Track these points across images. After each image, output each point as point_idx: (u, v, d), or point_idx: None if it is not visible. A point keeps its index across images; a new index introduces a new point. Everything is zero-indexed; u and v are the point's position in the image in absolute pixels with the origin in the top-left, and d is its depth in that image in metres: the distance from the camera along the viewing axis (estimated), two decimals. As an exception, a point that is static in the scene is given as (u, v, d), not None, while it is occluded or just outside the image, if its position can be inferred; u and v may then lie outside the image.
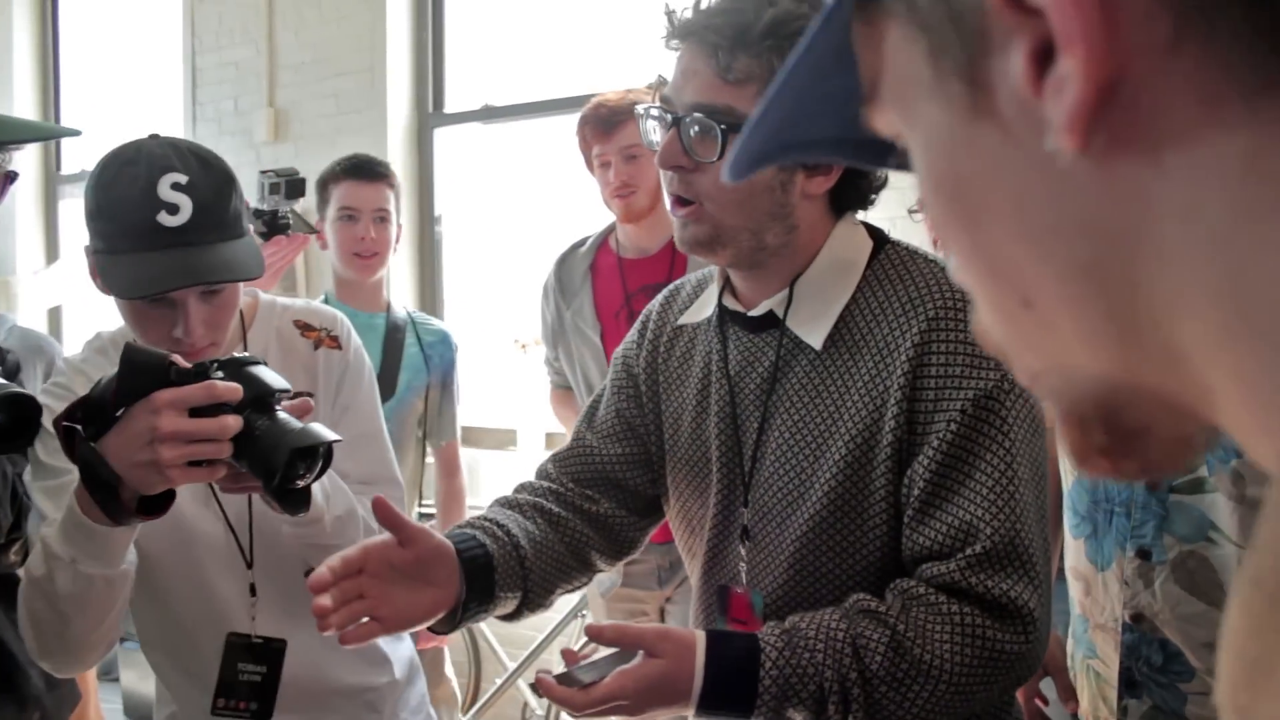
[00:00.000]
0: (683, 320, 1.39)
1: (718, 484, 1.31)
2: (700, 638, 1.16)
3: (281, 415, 1.24)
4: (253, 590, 1.48)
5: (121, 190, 1.35)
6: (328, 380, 1.53)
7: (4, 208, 5.45)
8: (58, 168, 5.77)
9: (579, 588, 1.42)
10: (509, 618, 1.33)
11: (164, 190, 1.34)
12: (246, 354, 1.30)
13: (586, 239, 2.78)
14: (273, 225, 2.11)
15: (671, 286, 1.47)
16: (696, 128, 1.16)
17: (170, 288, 1.34)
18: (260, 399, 1.23)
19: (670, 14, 1.21)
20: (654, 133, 1.23)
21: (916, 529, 1.16)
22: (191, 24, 4.79)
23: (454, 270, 4.47)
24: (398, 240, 2.75)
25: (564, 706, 1.16)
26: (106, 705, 4.31)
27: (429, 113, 4.41)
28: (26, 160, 5.62)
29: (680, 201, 1.22)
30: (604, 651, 1.21)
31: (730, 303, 1.32)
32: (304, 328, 1.56)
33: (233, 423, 1.20)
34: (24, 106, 5.65)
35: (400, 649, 1.65)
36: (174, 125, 5.00)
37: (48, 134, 0.99)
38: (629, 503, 1.42)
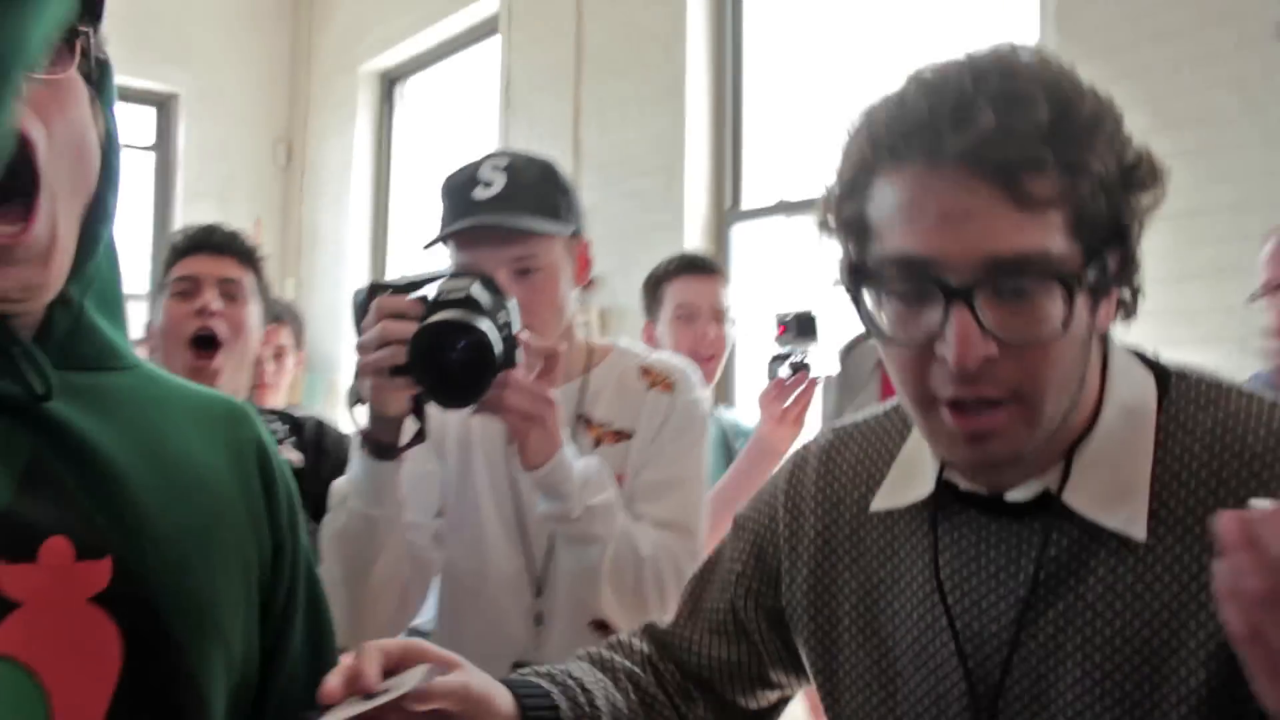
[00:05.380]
0: (878, 505, 0.99)
1: None
2: None
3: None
4: (538, 619, 1.48)
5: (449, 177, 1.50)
6: (650, 419, 1.53)
7: (331, 311, 5.90)
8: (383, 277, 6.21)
9: None
10: None
11: (484, 169, 1.46)
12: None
13: None
14: (795, 367, 2.24)
15: (818, 451, 1.08)
16: (1005, 294, 0.79)
17: (460, 228, 1.43)
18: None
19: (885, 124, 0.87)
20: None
21: None
22: (506, 130, 5.05)
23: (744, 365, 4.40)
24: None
25: None
26: None
27: (726, 209, 4.41)
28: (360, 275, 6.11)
29: (979, 405, 0.81)
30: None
31: (961, 480, 0.92)
32: (645, 372, 1.58)
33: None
34: (360, 208, 6.17)
35: None
36: (488, 227, 5.25)
37: None
38: (724, 715, 1.11)
